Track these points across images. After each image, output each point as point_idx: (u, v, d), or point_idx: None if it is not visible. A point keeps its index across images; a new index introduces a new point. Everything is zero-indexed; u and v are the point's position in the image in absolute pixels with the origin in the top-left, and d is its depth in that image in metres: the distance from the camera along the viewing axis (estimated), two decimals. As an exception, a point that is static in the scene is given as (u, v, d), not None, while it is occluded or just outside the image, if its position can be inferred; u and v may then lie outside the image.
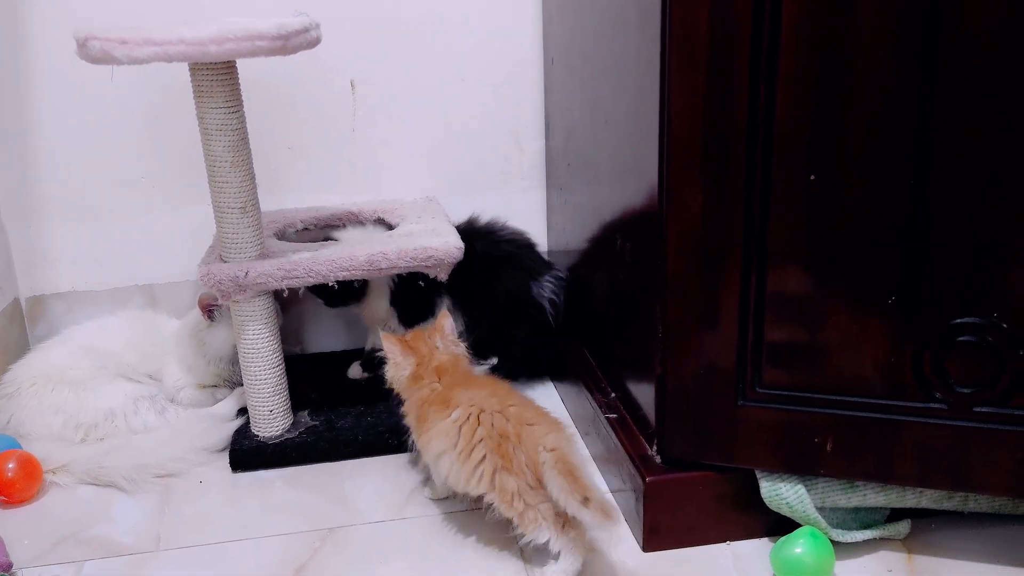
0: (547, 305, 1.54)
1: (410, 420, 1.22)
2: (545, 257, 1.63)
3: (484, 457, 1.10)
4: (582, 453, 1.14)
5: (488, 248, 1.51)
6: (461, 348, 1.27)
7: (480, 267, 1.47)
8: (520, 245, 1.59)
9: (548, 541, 1.08)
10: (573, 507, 1.02)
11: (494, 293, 1.52)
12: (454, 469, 1.13)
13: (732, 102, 1.01)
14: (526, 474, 1.07)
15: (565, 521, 1.08)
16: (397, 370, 1.25)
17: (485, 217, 1.62)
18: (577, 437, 1.16)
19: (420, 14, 1.62)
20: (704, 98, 1.01)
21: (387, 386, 1.28)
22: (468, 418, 1.12)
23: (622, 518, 1.08)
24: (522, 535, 1.10)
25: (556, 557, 1.10)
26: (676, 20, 1.00)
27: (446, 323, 1.26)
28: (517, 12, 1.64)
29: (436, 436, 1.14)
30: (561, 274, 1.58)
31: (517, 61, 1.67)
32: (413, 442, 1.22)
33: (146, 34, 1.13)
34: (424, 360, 1.23)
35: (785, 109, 1.00)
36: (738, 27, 0.98)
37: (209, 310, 1.48)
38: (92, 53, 1.14)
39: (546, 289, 1.54)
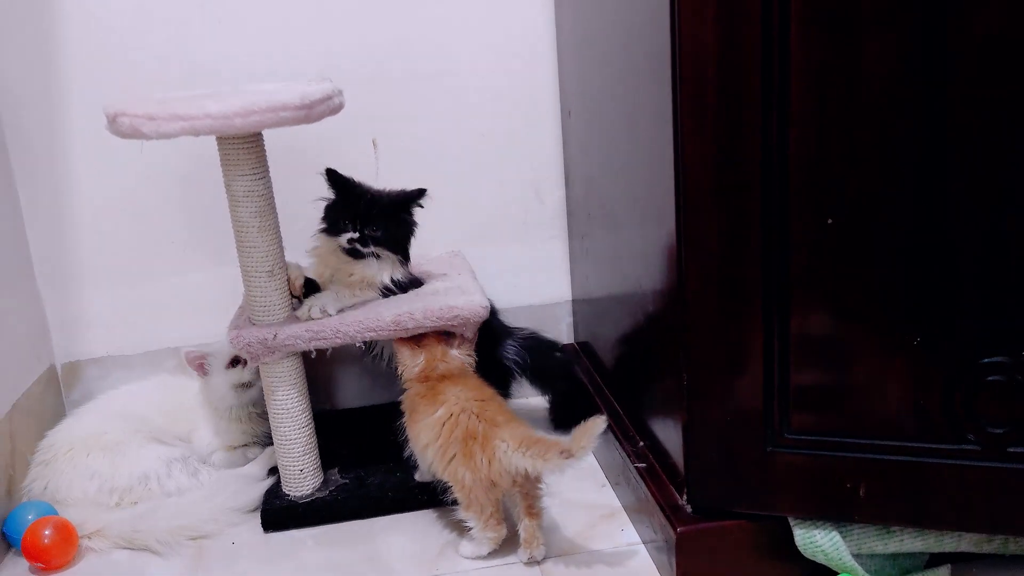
0: (513, 367, 1.55)
1: (404, 409, 1.34)
2: (507, 323, 1.63)
3: (455, 455, 1.23)
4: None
5: None
6: (470, 360, 1.37)
7: None
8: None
9: (473, 528, 1.26)
10: (555, 462, 1.17)
11: None
12: (435, 460, 1.26)
13: (745, 147, 1.01)
14: (480, 470, 1.21)
15: (529, 512, 1.25)
16: (405, 368, 1.35)
17: None
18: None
19: (438, 72, 1.65)
20: (717, 144, 1.02)
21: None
22: (450, 417, 1.25)
23: (587, 443, 1.17)
24: (461, 512, 1.27)
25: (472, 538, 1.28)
26: (686, 69, 1.01)
27: (464, 343, 1.37)
28: (533, 68, 1.68)
29: (423, 429, 1.27)
30: (525, 334, 1.59)
31: (534, 115, 1.70)
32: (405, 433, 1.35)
33: (173, 109, 1.16)
34: (431, 365, 1.34)
35: (799, 152, 1.00)
36: (748, 74, 0.99)
37: (200, 365, 1.51)
38: (122, 129, 1.18)
39: (509, 351, 1.55)
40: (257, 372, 1.49)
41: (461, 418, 1.24)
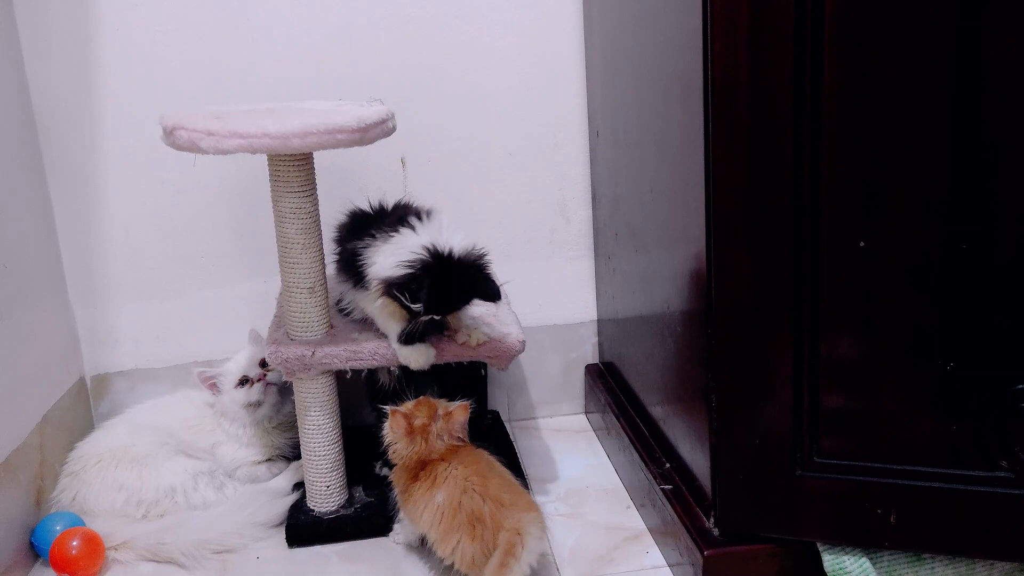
0: None
1: (397, 485, 1.29)
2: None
3: (460, 540, 1.18)
4: (544, 538, 1.21)
5: None
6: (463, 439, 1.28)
7: None
8: None
9: None
10: None
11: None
12: (436, 543, 1.21)
13: (777, 170, 1.02)
14: (488, 548, 1.16)
15: None
16: (397, 448, 1.27)
17: None
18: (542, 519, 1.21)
19: (468, 93, 1.67)
20: (748, 167, 1.03)
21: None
22: (452, 503, 1.19)
23: None
24: None
25: None
26: (719, 91, 1.02)
27: (460, 419, 1.28)
28: (561, 88, 1.69)
29: (422, 513, 1.22)
30: None
31: (562, 135, 1.71)
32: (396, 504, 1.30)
33: (232, 126, 1.17)
34: (423, 453, 1.25)
35: (830, 175, 1.00)
36: (780, 97, 0.99)
37: (211, 384, 1.52)
38: (179, 142, 1.19)
39: None
40: (263, 391, 1.51)
41: (464, 500, 1.19)
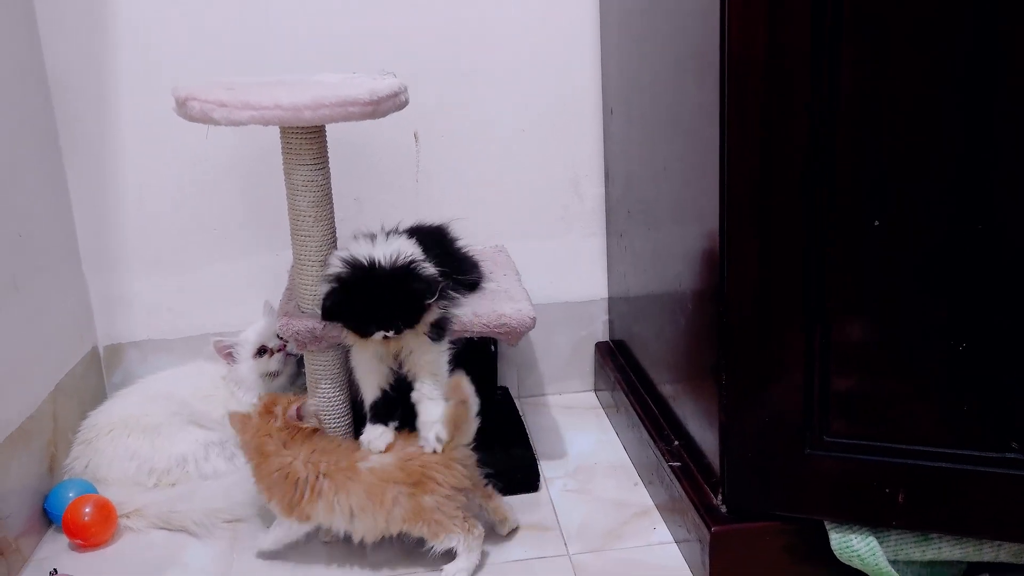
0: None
1: (284, 500, 1.24)
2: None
3: (395, 497, 1.20)
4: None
5: None
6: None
7: None
8: None
9: (456, 545, 1.21)
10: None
11: None
12: (372, 520, 1.22)
13: (791, 150, 1.01)
14: (443, 485, 1.19)
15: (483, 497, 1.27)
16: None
17: None
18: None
19: (481, 69, 1.66)
20: (762, 144, 1.02)
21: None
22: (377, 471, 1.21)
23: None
24: (431, 547, 1.22)
25: (455, 555, 1.22)
26: (734, 70, 1.01)
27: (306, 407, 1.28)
28: (575, 65, 1.68)
29: (355, 497, 1.21)
30: None
31: (575, 112, 1.70)
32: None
33: (244, 97, 1.16)
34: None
35: (845, 154, 1.00)
36: (795, 76, 0.99)
37: (228, 353, 1.54)
38: (191, 113, 1.19)
39: None
40: (283, 361, 1.52)
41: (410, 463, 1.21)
